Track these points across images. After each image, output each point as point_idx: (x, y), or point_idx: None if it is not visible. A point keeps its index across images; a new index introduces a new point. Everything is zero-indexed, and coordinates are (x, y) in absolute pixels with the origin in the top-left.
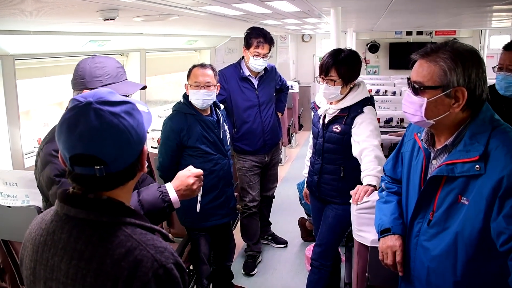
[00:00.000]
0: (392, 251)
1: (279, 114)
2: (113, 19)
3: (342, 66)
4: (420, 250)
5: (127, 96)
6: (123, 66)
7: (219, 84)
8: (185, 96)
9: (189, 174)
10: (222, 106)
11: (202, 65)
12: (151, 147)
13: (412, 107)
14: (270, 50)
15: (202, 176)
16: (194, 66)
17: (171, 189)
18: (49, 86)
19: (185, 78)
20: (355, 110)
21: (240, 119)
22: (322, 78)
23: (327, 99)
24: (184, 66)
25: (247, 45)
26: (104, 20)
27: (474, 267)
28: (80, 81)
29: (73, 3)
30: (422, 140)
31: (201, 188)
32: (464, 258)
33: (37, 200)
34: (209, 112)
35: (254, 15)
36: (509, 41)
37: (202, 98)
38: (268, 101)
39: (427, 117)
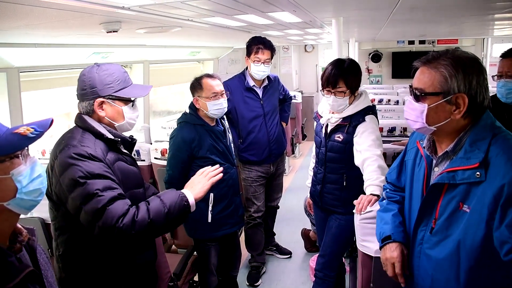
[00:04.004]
0: (391, 263)
1: (284, 124)
2: (116, 31)
3: (349, 76)
4: (424, 258)
5: (133, 101)
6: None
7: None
8: (192, 107)
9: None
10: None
11: (209, 76)
12: (154, 158)
13: (414, 114)
14: (271, 56)
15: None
16: (201, 78)
17: (187, 191)
18: (55, 97)
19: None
20: (357, 119)
21: (246, 129)
22: (329, 90)
23: (335, 111)
24: (187, 77)
25: (248, 53)
26: (107, 32)
27: (478, 276)
28: (90, 90)
29: (76, 16)
30: (424, 147)
31: (212, 199)
32: (467, 266)
33: (41, 211)
34: (215, 123)
35: (256, 26)
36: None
37: (223, 107)
38: (273, 111)
39: (429, 124)
